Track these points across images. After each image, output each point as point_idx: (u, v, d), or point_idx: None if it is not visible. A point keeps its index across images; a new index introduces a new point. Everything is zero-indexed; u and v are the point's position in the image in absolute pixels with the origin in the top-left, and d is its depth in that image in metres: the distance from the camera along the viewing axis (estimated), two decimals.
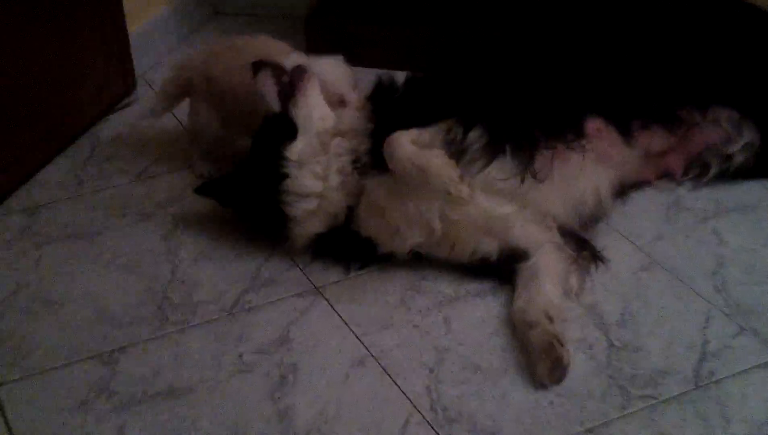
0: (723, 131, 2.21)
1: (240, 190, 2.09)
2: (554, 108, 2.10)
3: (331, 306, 1.95)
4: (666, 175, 2.26)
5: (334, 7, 3.10)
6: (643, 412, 1.66)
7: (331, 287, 2.01)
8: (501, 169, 1.96)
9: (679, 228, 2.13)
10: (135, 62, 2.81)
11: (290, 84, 2.07)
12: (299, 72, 2.05)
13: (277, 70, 2.09)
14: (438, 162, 1.89)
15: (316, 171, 1.99)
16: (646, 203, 2.22)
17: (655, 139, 2.21)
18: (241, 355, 1.83)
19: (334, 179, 1.99)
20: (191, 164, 2.44)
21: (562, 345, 1.76)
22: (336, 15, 3.06)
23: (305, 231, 2.04)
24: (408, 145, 1.91)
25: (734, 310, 1.88)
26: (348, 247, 2.06)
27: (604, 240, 2.09)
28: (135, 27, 2.86)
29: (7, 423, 1.70)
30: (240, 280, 2.04)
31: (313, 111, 2.03)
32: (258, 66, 2.10)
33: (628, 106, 2.18)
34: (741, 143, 2.21)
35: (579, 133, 2.09)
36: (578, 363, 1.77)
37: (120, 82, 2.76)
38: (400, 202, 1.96)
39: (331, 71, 2.17)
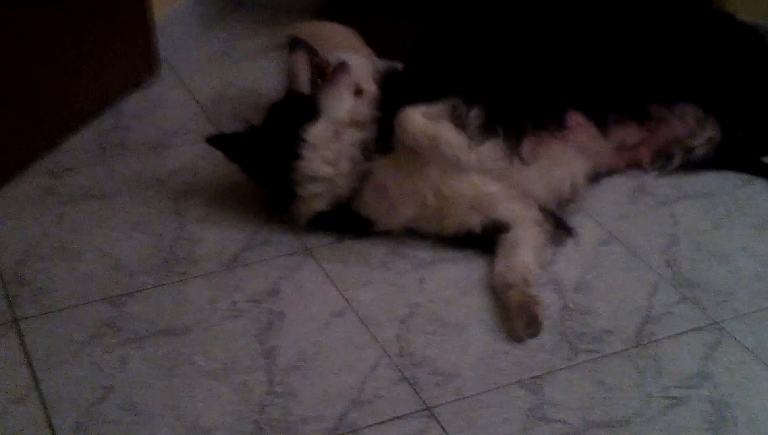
0: (688, 126, 2.41)
1: (251, 152, 2.28)
2: (541, 99, 2.32)
3: (319, 265, 2.17)
4: (635, 165, 2.46)
5: (347, 3, 3.32)
6: (587, 364, 1.87)
7: (320, 249, 2.23)
8: (493, 150, 2.17)
9: (640, 209, 2.33)
10: (161, 46, 3.05)
11: (325, 72, 2.28)
12: (342, 66, 2.25)
13: (312, 52, 2.29)
14: (448, 132, 2.10)
15: (328, 157, 2.19)
16: (614, 187, 2.42)
17: (628, 134, 2.41)
18: (234, 303, 2.06)
19: (345, 166, 2.19)
20: None
21: (536, 305, 1.97)
22: (347, 11, 3.27)
23: (309, 209, 2.24)
24: (419, 117, 2.12)
25: (680, 282, 2.08)
26: (346, 225, 2.26)
27: (572, 217, 2.29)
28: (163, 13, 3.09)
29: (26, 351, 1.93)
30: (239, 240, 2.26)
31: (340, 102, 2.22)
32: (294, 44, 2.31)
33: (605, 102, 2.38)
34: (704, 137, 2.41)
35: (561, 124, 2.30)
36: None
37: (144, 63, 2.99)
38: (400, 179, 2.18)
39: (356, 64, 2.38)
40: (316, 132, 2.19)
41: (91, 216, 2.37)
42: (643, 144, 2.44)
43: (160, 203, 2.42)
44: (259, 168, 2.28)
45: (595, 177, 2.41)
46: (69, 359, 1.91)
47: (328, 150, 2.18)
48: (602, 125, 2.37)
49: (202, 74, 3.08)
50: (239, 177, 2.44)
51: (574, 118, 2.33)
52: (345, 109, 2.22)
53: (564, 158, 2.30)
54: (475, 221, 2.18)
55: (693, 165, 2.43)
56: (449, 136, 2.08)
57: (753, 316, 1.98)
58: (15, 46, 2.46)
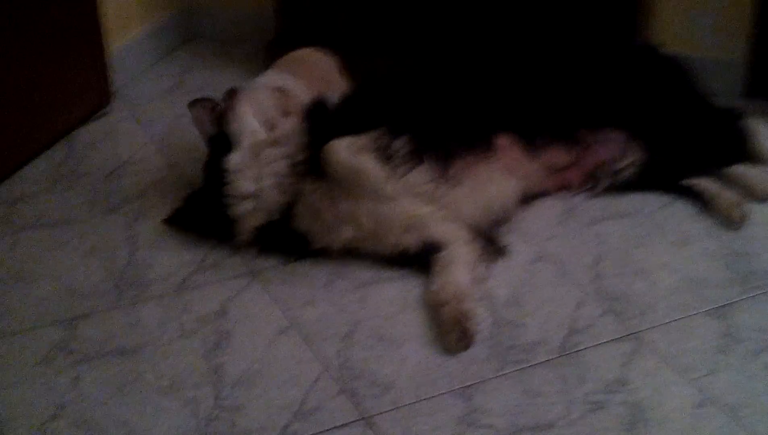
0: (613, 150, 2.56)
1: (197, 208, 2.45)
2: (469, 123, 2.46)
3: (264, 286, 2.28)
4: (564, 188, 2.61)
5: (294, 35, 3.45)
6: (515, 373, 1.99)
7: (265, 272, 2.34)
8: (421, 175, 2.31)
9: (569, 230, 2.47)
10: (114, 77, 3.16)
11: (224, 105, 2.43)
12: (229, 94, 2.41)
13: (209, 102, 2.45)
14: (368, 164, 2.25)
15: (250, 175, 2.35)
16: (544, 209, 2.56)
17: (556, 156, 2.56)
18: (182, 324, 2.16)
19: (268, 181, 2.34)
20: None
21: (468, 319, 2.10)
22: (294, 43, 3.40)
23: (247, 225, 2.38)
24: (343, 150, 2.26)
25: (603, 296, 2.22)
26: (286, 241, 2.39)
27: (504, 238, 2.43)
28: (117, 45, 3.20)
29: None
30: (188, 264, 2.37)
31: (243, 125, 2.39)
32: (192, 104, 2.48)
33: (533, 126, 2.53)
34: (628, 161, 2.56)
35: (489, 147, 2.44)
36: None
37: (97, 95, 3.10)
38: (334, 203, 2.31)
39: (291, 88, 2.52)
40: (234, 158, 2.36)
41: (44, 243, 2.46)
42: (572, 167, 2.59)
43: (113, 230, 2.52)
44: (203, 214, 2.43)
45: (527, 199, 2.55)
46: (21, 381, 2.00)
47: (249, 169, 2.35)
48: (530, 147, 2.51)
49: (155, 105, 3.19)
50: None
51: (502, 141, 2.47)
52: (249, 129, 2.38)
53: (493, 179, 2.43)
54: (409, 242, 2.31)
55: (619, 187, 2.58)
56: (369, 168, 2.25)
57: (668, 326, 2.12)
58: None
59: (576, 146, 2.56)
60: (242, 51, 3.60)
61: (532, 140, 2.51)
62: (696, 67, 2.78)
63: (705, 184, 2.55)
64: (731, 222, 2.45)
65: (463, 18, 3.17)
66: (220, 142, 2.41)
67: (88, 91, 3.07)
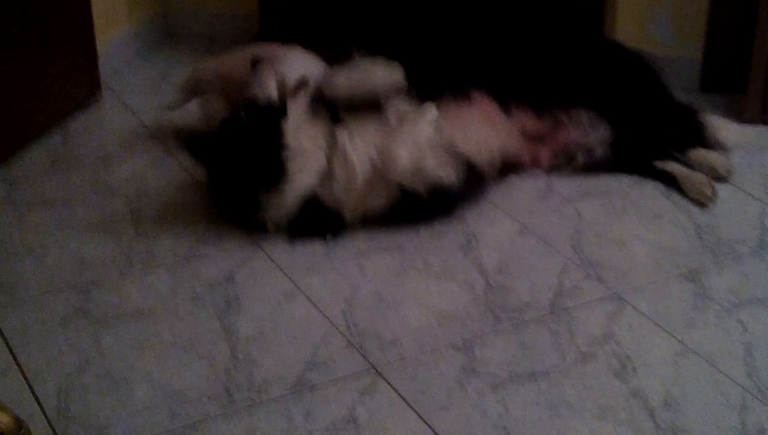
0: (583, 128, 2.75)
1: (221, 153, 2.50)
2: (455, 82, 2.71)
3: (269, 256, 2.41)
4: (537, 163, 2.78)
5: (274, 35, 3.58)
6: (509, 329, 2.15)
7: (268, 243, 2.46)
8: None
9: (549, 206, 2.65)
10: (102, 71, 3.27)
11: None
12: (302, 82, 2.57)
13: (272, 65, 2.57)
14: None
15: (307, 133, 2.49)
16: (524, 188, 2.73)
17: (528, 121, 2.75)
18: (193, 288, 2.28)
19: (320, 141, 2.49)
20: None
21: None
22: (276, 41, 3.54)
23: (298, 185, 2.45)
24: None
25: (584, 263, 2.39)
26: (319, 221, 2.50)
27: (489, 214, 2.60)
28: (104, 41, 3.31)
29: (1, 332, 2.12)
30: (192, 237, 2.49)
31: (300, 108, 2.54)
32: (257, 60, 2.57)
33: (509, 93, 2.75)
34: (597, 138, 2.75)
35: (468, 98, 2.68)
36: (462, 297, 2.26)
37: (87, 86, 3.21)
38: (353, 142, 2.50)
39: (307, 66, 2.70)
40: (291, 121, 2.48)
41: (48, 219, 2.56)
42: (545, 142, 2.77)
43: (115, 208, 2.63)
44: (229, 167, 2.48)
45: (504, 166, 2.71)
46: (43, 340, 2.10)
47: (303, 132, 2.49)
48: (504, 105, 2.72)
49: (142, 96, 3.30)
50: (187, 182, 2.70)
51: (479, 95, 2.70)
52: (303, 110, 2.53)
53: (474, 124, 2.64)
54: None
55: (593, 166, 2.76)
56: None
57: (647, 288, 2.29)
58: None
59: (547, 119, 2.75)
60: (223, 48, 3.71)
61: (506, 100, 2.73)
62: (656, 63, 3.00)
63: (675, 166, 2.74)
64: (704, 199, 2.65)
65: (442, 17, 3.35)
66: (274, 109, 2.49)
67: (79, 81, 3.17)
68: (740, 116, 3.08)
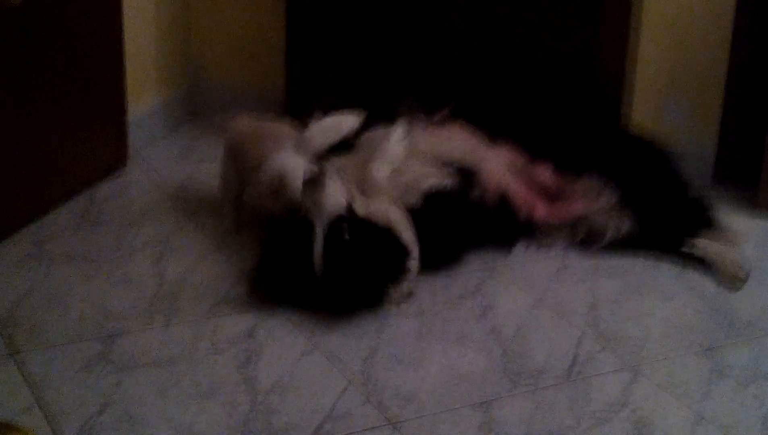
0: (594, 200, 2.83)
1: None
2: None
3: (286, 316, 2.45)
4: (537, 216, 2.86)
5: (299, 108, 3.68)
6: (526, 393, 2.17)
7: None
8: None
9: (564, 283, 2.69)
10: (131, 141, 3.37)
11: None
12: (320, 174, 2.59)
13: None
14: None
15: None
16: (540, 264, 2.78)
17: (544, 173, 2.87)
18: (214, 342, 2.32)
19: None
20: (222, 213, 2.95)
21: None
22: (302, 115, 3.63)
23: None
24: None
25: (600, 336, 2.42)
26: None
27: (505, 287, 2.64)
28: (134, 113, 3.42)
29: (24, 376, 2.14)
30: (216, 293, 2.53)
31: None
32: (312, 181, 2.55)
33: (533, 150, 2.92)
34: (614, 227, 2.81)
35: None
36: (479, 362, 2.28)
37: (115, 154, 3.30)
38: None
39: None
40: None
41: (74, 274, 2.61)
42: (553, 201, 2.86)
43: (139, 265, 2.68)
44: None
45: (505, 201, 2.83)
46: (66, 383, 2.13)
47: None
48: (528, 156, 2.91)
49: (167, 168, 3.38)
50: (210, 246, 2.76)
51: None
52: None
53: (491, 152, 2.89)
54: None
55: (619, 243, 2.83)
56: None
57: (662, 362, 2.32)
58: (6, 134, 2.76)
59: (563, 181, 2.86)
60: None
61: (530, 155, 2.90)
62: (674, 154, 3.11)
63: (706, 244, 2.81)
64: (736, 281, 2.70)
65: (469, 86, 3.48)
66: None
67: (108, 149, 3.26)
68: (753, 207, 3.15)
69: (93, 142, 3.18)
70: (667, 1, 3.28)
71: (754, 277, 2.74)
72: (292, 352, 2.30)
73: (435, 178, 2.64)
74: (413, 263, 2.53)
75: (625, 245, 2.83)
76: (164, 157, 3.50)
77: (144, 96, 3.56)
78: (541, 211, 2.84)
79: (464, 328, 2.43)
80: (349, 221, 2.48)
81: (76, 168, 3.09)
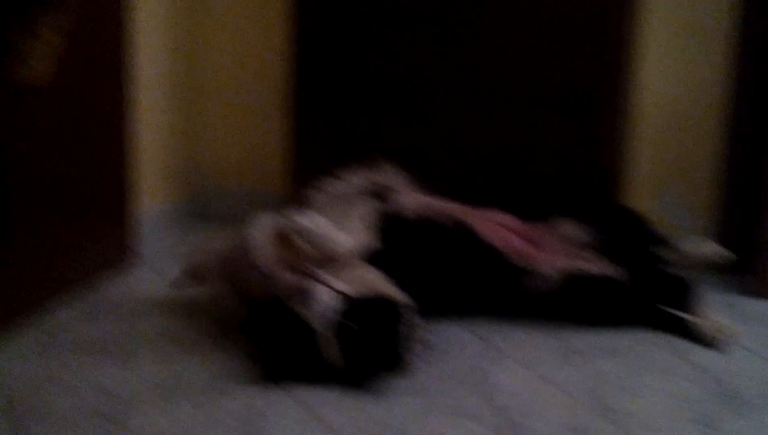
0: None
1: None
2: None
3: (290, 393, 2.48)
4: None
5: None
6: None
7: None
8: None
9: (565, 360, 2.73)
10: (137, 241, 3.46)
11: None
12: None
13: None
14: None
15: None
16: (540, 344, 2.83)
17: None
18: (217, 420, 2.35)
19: None
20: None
21: None
22: None
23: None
24: None
25: (603, 410, 2.44)
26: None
27: (506, 366, 2.68)
28: (141, 213, 3.52)
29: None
30: (220, 375, 2.57)
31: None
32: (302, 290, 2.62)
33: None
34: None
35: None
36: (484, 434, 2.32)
37: (120, 250, 3.38)
38: None
39: None
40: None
41: (84, 361, 2.65)
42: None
43: (149, 352, 2.73)
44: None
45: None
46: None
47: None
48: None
49: (170, 266, 3.44)
50: (216, 332, 2.81)
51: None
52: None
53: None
54: None
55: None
56: None
57: (664, 430, 2.34)
58: (20, 225, 2.86)
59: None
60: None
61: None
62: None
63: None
64: (722, 337, 2.81)
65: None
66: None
67: (112, 245, 3.35)
68: (749, 295, 3.21)
69: (97, 238, 3.26)
70: (660, 93, 3.42)
71: (756, 355, 2.77)
72: (296, 428, 2.32)
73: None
74: (413, 315, 2.58)
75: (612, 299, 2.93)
76: (168, 256, 3.57)
77: (151, 198, 3.66)
78: (532, 253, 2.94)
79: (468, 404, 2.46)
80: (349, 312, 2.55)
81: (79, 261, 3.17)
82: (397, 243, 2.84)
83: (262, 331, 2.65)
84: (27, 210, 2.89)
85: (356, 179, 3.03)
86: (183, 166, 3.92)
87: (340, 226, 2.78)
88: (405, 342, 2.54)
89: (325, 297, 2.57)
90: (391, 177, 3.05)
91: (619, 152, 3.45)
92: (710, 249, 3.05)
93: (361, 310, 2.55)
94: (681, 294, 2.95)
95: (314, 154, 3.69)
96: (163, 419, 2.34)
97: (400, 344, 2.53)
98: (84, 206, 3.18)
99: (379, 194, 2.98)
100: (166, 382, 2.53)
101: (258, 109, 3.95)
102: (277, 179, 3.88)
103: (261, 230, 2.80)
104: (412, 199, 3.00)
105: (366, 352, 2.51)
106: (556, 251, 2.97)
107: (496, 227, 3.00)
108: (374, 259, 2.76)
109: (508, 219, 3.05)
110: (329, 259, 2.71)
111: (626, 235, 3.08)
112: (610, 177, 3.44)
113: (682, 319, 2.89)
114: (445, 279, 2.91)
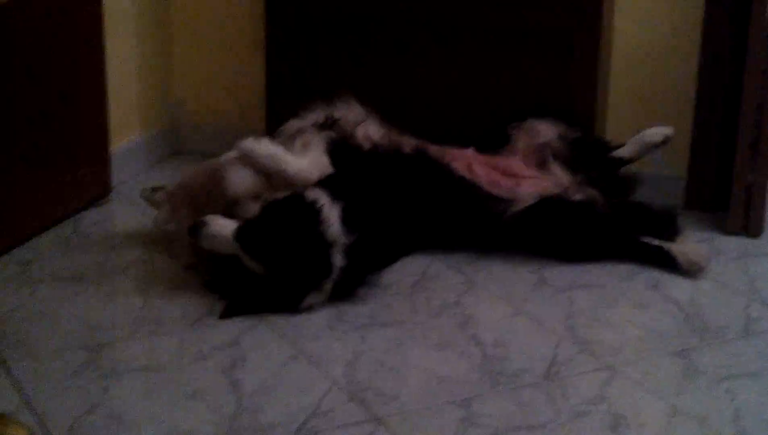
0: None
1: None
2: None
3: (271, 326, 2.50)
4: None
5: None
6: (506, 390, 2.22)
7: (270, 316, 2.56)
8: None
9: (542, 294, 2.76)
10: (113, 175, 3.44)
11: None
12: None
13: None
14: None
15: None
16: (518, 278, 2.85)
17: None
18: (200, 350, 2.36)
19: None
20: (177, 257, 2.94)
21: None
22: None
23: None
24: None
25: (577, 341, 2.48)
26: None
27: (484, 300, 2.71)
28: (114, 148, 3.49)
29: (13, 381, 2.18)
30: (200, 308, 2.58)
31: None
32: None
33: None
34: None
35: None
36: (460, 365, 2.34)
37: (99, 186, 3.36)
38: None
39: None
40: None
41: (59, 292, 2.65)
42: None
43: (124, 284, 2.73)
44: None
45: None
46: (55, 388, 2.17)
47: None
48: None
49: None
50: (194, 265, 2.81)
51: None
52: None
53: None
54: None
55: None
56: None
57: (638, 362, 2.38)
58: None
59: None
60: None
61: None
62: (645, 181, 3.23)
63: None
64: (694, 266, 2.88)
65: None
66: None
67: (91, 181, 3.33)
68: (724, 232, 3.24)
69: (77, 174, 3.24)
70: (636, 35, 3.42)
71: (726, 288, 2.82)
72: (276, 358, 2.34)
73: None
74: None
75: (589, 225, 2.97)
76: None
77: (127, 132, 3.64)
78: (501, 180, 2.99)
79: (444, 336, 2.49)
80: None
81: (59, 197, 3.16)
82: (349, 168, 2.83)
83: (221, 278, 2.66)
84: (2, 145, 2.87)
85: (315, 115, 3.01)
86: (158, 101, 3.88)
87: (294, 153, 2.80)
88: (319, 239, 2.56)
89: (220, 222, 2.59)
90: (350, 112, 3.04)
91: (594, 95, 3.45)
92: (651, 132, 3.14)
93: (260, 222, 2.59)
94: (661, 223, 3.00)
95: (288, 91, 3.67)
96: (145, 352, 2.35)
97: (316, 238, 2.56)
98: (62, 142, 3.16)
99: (334, 127, 2.96)
100: (147, 315, 2.54)
101: (234, 45, 3.91)
102: (253, 115, 3.86)
103: (229, 161, 2.81)
104: (370, 130, 3.00)
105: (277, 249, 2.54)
106: (528, 177, 2.99)
107: (459, 154, 3.02)
108: (325, 182, 2.76)
109: (471, 152, 3.08)
110: (283, 183, 2.73)
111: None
112: (585, 119, 3.44)
113: (658, 247, 2.93)
114: (403, 205, 2.89)
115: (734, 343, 2.50)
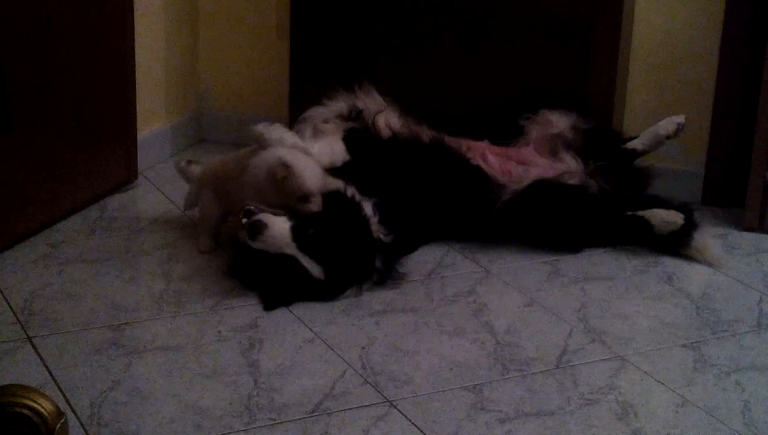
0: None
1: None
2: None
3: (289, 309, 2.56)
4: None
5: None
6: (517, 378, 2.27)
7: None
8: None
9: (555, 284, 2.80)
10: (139, 160, 3.51)
11: None
12: None
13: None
14: None
15: None
16: (532, 268, 2.89)
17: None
18: (219, 332, 2.43)
19: None
20: (197, 239, 2.99)
21: None
22: None
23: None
24: None
25: (589, 331, 2.52)
26: None
27: (498, 289, 2.75)
28: (140, 135, 3.56)
29: (40, 357, 2.25)
30: (220, 292, 2.64)
31: None
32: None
33: None
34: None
35: None
36: (472, 351, 2.39)
37: (126, 171, 3.43)
38: None
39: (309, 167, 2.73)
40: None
41: (87, 272, 2.73)
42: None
43: (147, 266, 2.80)
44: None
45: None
46: (79, 364, 2.24)
47: None
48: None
49: (174, 185, 3.49)
50: (217, 251, 2.88)
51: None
52: None
53: None
54: None
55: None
56: None
57: (649, 353, 2.42)
58: (27, 147, 2.92)
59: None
60: None
61: None
62: (662, 175, 3.26)
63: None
64: (671, 224, 2.98)
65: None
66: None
67: (119, 166, 3.40)
68: (741, 228, 3.27)
69: (105, 159, 3.32)
70: (656, 27, 3.44)
71: (739, 283, 2.85)
72: (293, 340, 2.40)
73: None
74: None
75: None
76: (171, 176, 3.62)
77: (153, 119, 3.71)
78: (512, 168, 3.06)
79: (458, 323, 2.54)
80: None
81: (87, 182, 3.23)
82: (367, 156, 2.89)
83: (249, 269, 2.67)
84: (29, 127, 2.94)
85: (338, 104, 3.06)
86: (184, 89, 3.95)
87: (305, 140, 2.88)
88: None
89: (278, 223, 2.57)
90: (371, 101, 3.09)
91: (613, 87, 3.47)
92: (664, 123, 3.19)
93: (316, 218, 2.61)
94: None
95: (312, 81, 3.72)
96: (167, 332, 2.42)
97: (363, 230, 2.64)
98: (91, 129, 3.23)
99: (355, 117, 3.02)
100: (169, 297, 2.61)
101: (260, 34, 3.97)
102: (278, 103, 3.92)
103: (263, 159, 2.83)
104: (390, 119, 3.05)
105: (337, 251, 2.59)
106: (536, 165, 3.05)
107: (473, 145, 3.08)
108: (343, 170, 2.81)
109: (486, 143, 3.13)
110: None
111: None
112: (603, 111, 3.47)
113: (632, 215, 3.02)
114: (424, 195, 2.95)
115: (746, 337, 2.53)
